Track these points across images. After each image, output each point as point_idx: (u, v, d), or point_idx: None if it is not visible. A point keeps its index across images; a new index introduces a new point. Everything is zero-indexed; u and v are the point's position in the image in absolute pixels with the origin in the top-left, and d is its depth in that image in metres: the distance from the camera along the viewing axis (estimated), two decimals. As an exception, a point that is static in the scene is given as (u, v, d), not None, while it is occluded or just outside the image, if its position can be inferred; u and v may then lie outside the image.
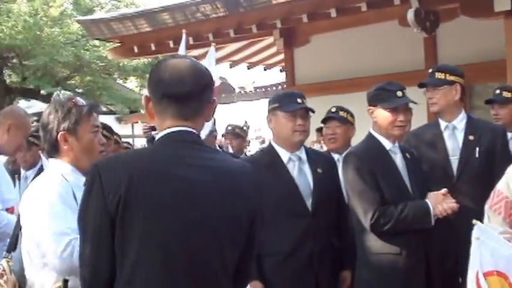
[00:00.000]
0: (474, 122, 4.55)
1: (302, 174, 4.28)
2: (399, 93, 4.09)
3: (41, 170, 5.43)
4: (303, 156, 4.32)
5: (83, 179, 2.97)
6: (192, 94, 2.46)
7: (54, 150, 3.21)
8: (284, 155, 4.26)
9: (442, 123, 4.53)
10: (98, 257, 2.34)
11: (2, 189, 4.57)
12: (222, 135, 9.84)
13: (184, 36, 4.86)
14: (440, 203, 3.93)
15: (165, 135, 2.46)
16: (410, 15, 6.61)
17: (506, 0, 6.29)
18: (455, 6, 6.99)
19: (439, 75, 4.46)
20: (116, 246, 2.31)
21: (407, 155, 4.21)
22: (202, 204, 2.35)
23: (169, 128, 2.45)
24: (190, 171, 2.37)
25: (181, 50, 6.23)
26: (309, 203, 4.20)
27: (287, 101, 4.26)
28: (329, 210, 4.24)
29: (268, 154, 4.36)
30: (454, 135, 4.50)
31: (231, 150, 8.83)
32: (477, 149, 4.39)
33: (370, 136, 4.24)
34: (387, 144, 4.14)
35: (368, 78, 7.59)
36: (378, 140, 4.16)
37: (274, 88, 15.60)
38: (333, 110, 5.44)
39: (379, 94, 4.15)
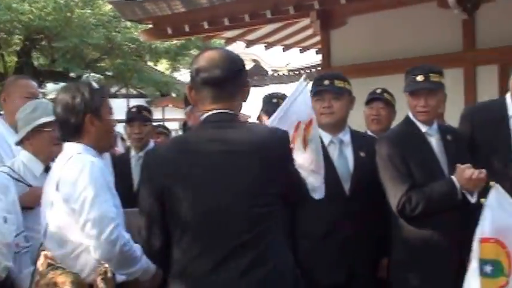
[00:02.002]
0: None
1: (342, 157, 4.23)
2: (419, 78, 4.02)
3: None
4: (346, 139, 4.27)
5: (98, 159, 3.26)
6: (227, 78, 2.90)
7: (75, 134, 3.26)
8: (325, 137, 4.20)
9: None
10: (152, 230, 2.94)
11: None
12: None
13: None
14: (465, 175, 3.78)
15: (205, 117, 2.93)
16: (452, -4, 6.50)
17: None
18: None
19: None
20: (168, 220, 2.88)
21: (448, 137, 4.12)
22: (233, 173, 2.81)
23: (209, 110, 2.92)
24: (222, 146, 2.81)
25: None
26: (347, 186, 4.15)
27: (314, 85, 4.27)
28: (368, 195, 4.14)
29: None
30: None
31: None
32: None
33: (406, 119, 4.18)
34: (423, 127, 4.08)
35: (404, 60, 7.51)
36: (414, 122, 4.11)
37: (308, 71, 15.52)
38: (378, 91, 5.44)
39: (405, 79, 4.13)
